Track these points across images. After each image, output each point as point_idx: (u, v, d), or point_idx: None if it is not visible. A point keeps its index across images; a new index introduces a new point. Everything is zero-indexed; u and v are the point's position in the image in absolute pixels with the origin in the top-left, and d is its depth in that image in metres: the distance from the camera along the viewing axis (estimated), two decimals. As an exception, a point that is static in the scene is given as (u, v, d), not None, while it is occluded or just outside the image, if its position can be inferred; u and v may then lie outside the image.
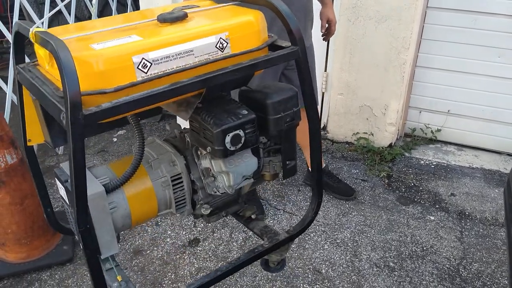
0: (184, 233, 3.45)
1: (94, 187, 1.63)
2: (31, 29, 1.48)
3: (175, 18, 1.63)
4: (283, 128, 1.77)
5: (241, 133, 1.66)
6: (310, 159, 1.92)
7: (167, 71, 1.51)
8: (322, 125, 4.63)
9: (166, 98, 1.49)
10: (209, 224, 3.50)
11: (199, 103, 1.69)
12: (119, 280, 1.79)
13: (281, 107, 1.75)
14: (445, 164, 4.29)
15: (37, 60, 1.67)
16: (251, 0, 1.78)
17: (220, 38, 1.59)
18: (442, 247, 3.30)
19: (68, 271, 3.16)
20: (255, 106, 1.74)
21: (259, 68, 1.64)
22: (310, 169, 3.80)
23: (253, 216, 2.11)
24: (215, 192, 1.82)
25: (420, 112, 4.55)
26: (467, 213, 3.64)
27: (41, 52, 1.53)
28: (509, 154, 4.40)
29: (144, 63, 1.47)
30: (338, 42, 4.16)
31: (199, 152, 1.83)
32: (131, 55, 1.46)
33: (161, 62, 1.50)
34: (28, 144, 1.84)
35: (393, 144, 4.45)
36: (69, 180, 1.58)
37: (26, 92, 1.75)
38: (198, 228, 3.49)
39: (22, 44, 1.69)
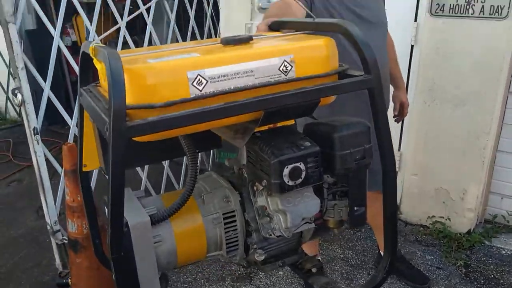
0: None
1: (139, 215, 1.44)
2: (91, 44, 1.37)
3: (239, 40, 1.45)
4: (351, 166, 1.51)
5: (302, 166, 1.42)
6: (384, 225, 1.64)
7: (223, 90, 1.33)
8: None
9: (218, 117, 1.29)
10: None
11: (258, 132, 1.49)
12: None
13: (349, 142, 1.50)
14: (528, 256, 3.83)
15: (99, 82, 1.55)
16: (322, 28, 1.58)
17: (284, 60, 1.39)
18: None
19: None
20: (321, 139, 1.50)
21: (324, 95, 1.42)
22: (381, 252, 3.49)
23: (313, 270, 1.81)
24: (270, 235, 1.56)
25: (502, 198, 4.14)
26: (551, 312, 3.20)
27: (98, 67, 1.39)
28: None
29: (199, 79, 1.30)
30: (413, 123, 3.94)
31: (255, 188, 1.59)
32: (186, 69, 1.29)
33: (218, 81, 1.32)
34: (84, 169, 1.70)
35: (472, 231, 4.04)
36: None
37: (87, 116, 1.63)
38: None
39: (88, 65, 1.55)
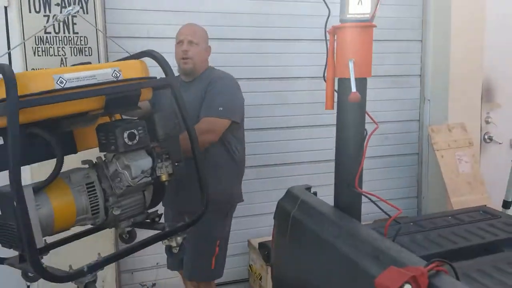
0: None
1: (26, 187, 1.98)
2: None
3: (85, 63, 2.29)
4: (169, 132, 2.29)
5: (136, 132, 2.16)
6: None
7: (77, 86, 2.06)
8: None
9: (72, 97, 2.01)
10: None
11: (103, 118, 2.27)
12: None
13: (166, 118, 2.33)
14: None
15: None
16: (138, 56, 2.41)
17: (114, 70, 2.17)
18: None
19: None
20: (148, 119, 2.30)
21: (140, 86, 2.21)
22: None
23: (156, 219, 2.44)
24: (122, 189, 2.20)
25: (132, 273, 4.46)
26: None
27: None
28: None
29: (61, 80, 2.02)
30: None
31: (106, 160, 2.26)
32: (52, 74, 2.03)
33: (73, 81, 2.04)
34: None
35: None
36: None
37: None
38: None
39: None
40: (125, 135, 2.13)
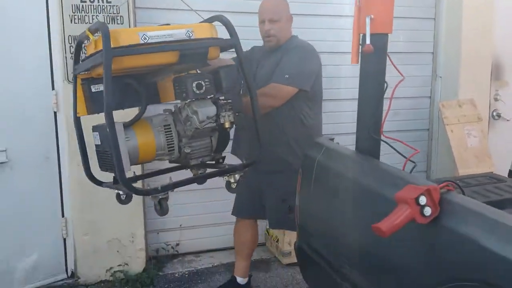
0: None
1: (118, 124, 2.38)
2: (86, 30, 2.48)
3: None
4: (232, 85, 2.67)
5: (203, 82, 2.56)
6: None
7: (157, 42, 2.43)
8: (70, 273, 4.30)
9: (154, 50, 2.40)
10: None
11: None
12: None
13: (230, 73, 2.69)
14: (195, 270, 4.54)
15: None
16: (209, 20, 2.71)
17: (188, 30, 2.51)
18: None
19: None
20: (214, 73, 2.68)
21: (208, 45, 2.55)
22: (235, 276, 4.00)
23: (220, 160, 2.85)
24: (191, 131, 2.59)
25: (158, 233, 4.74)
26: None
27: (92, 38, 2.47)
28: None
29: (144, 37, 2.39)
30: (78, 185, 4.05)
31: (180, 106, 2.66)
32: (138, 32, 2.41)
33: (154, 38, 2.41)
34: (78, 115, 2.66)
35: (146, 268, 4.41)
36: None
37: (79, 82, 2.63)
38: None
39: (79, 51, 2.67)
40: (194, 85, 2.54)
